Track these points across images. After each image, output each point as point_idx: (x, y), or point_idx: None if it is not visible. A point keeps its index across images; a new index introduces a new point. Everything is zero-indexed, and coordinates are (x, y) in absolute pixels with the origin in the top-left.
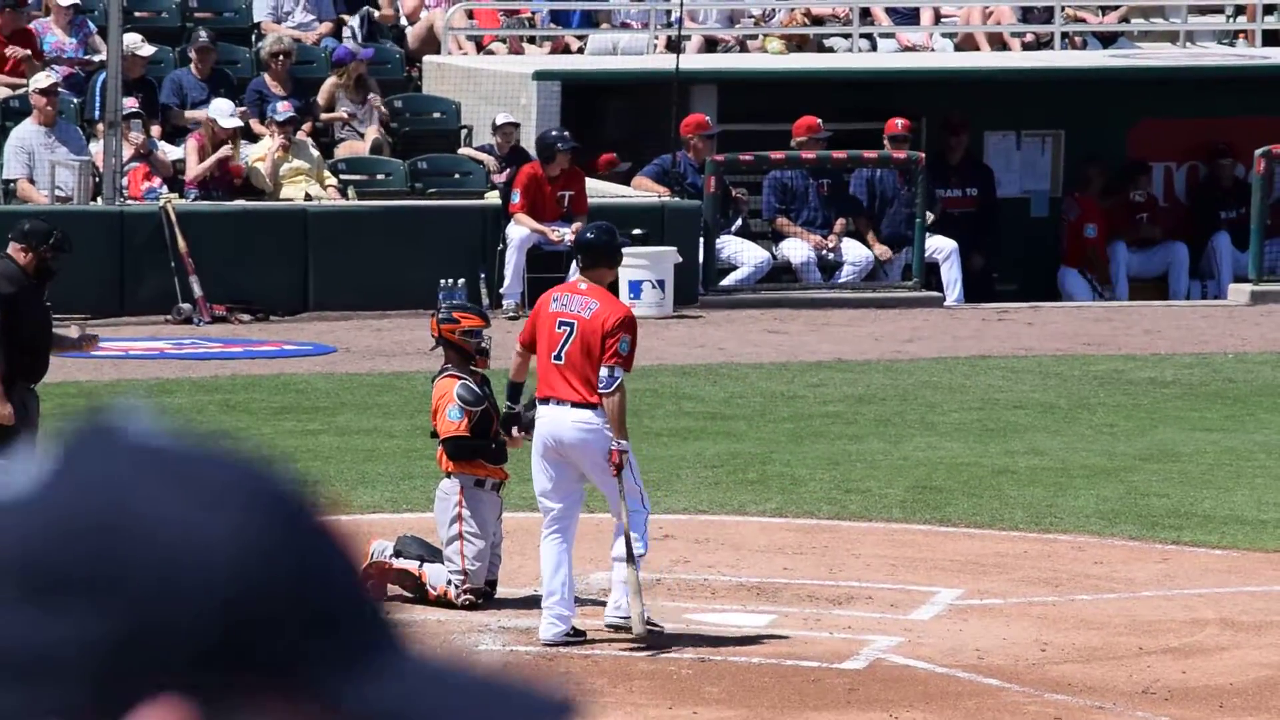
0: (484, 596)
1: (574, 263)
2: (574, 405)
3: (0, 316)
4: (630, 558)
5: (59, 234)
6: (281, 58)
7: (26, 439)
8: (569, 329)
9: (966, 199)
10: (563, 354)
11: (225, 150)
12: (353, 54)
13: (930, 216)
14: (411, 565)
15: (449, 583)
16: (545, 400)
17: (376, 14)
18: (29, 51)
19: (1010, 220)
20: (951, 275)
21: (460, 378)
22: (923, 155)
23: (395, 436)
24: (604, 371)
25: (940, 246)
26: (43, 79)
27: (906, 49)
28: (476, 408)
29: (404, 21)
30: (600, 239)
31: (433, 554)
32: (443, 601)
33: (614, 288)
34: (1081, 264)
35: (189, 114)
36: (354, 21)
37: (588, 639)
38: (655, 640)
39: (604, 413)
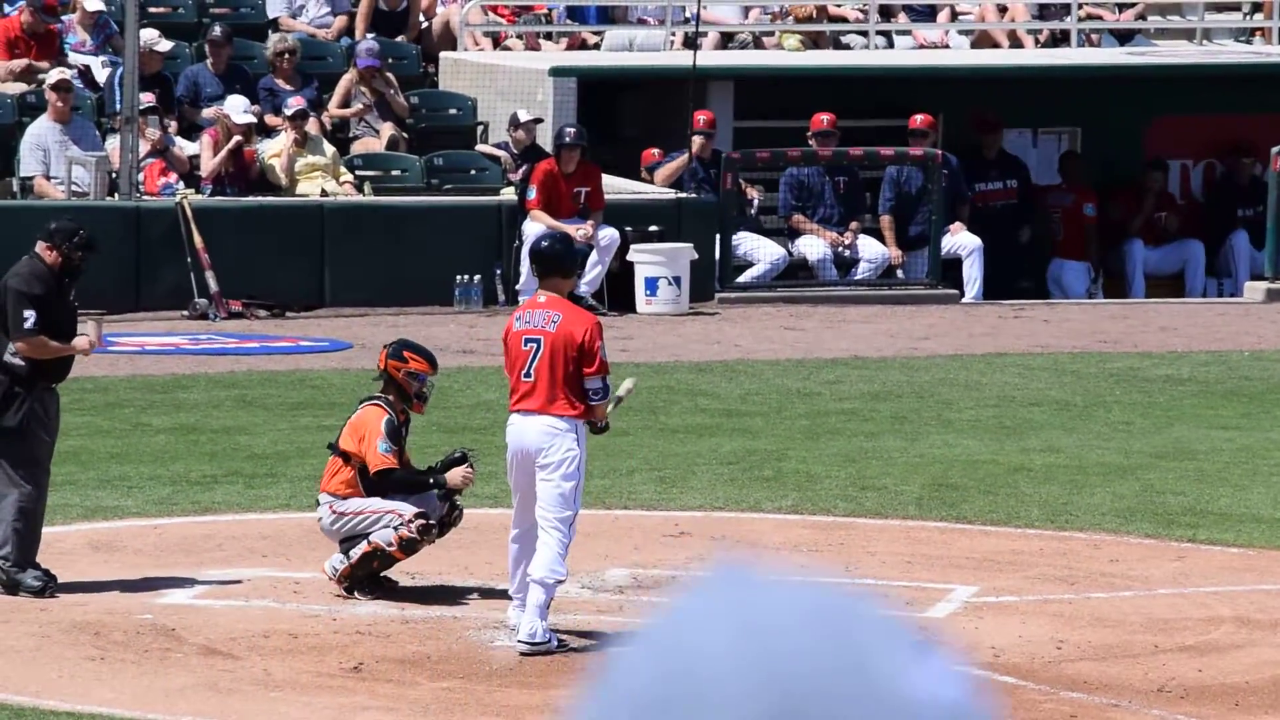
0: (431, 529)
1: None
2: (541, 413)
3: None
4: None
5: (85, 232)
6: (288, 56)
7: (46, 439)
8: (535, 345)
9: (1008, 190)
10: (532, 370)
11: (237, 140)
12: (378, 61)
13: (964, 213)
14: (362, 547)
15: (394, 529)
16: (515, 412)
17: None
18: (47, 63)
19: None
20: (973, 273)
21: (387, 412)
22: (940, 152)
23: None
24: (595, 383)
25: (964, 243)
26: (55, 74)
27: (922, 46)
28: (396, 446)
29: (420, 17)
30: (554, 248)
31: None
32: (409, 546)
33: (573, 297)
34: (1080, 253)
35: (204, 113)
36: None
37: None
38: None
39: (572, 421)
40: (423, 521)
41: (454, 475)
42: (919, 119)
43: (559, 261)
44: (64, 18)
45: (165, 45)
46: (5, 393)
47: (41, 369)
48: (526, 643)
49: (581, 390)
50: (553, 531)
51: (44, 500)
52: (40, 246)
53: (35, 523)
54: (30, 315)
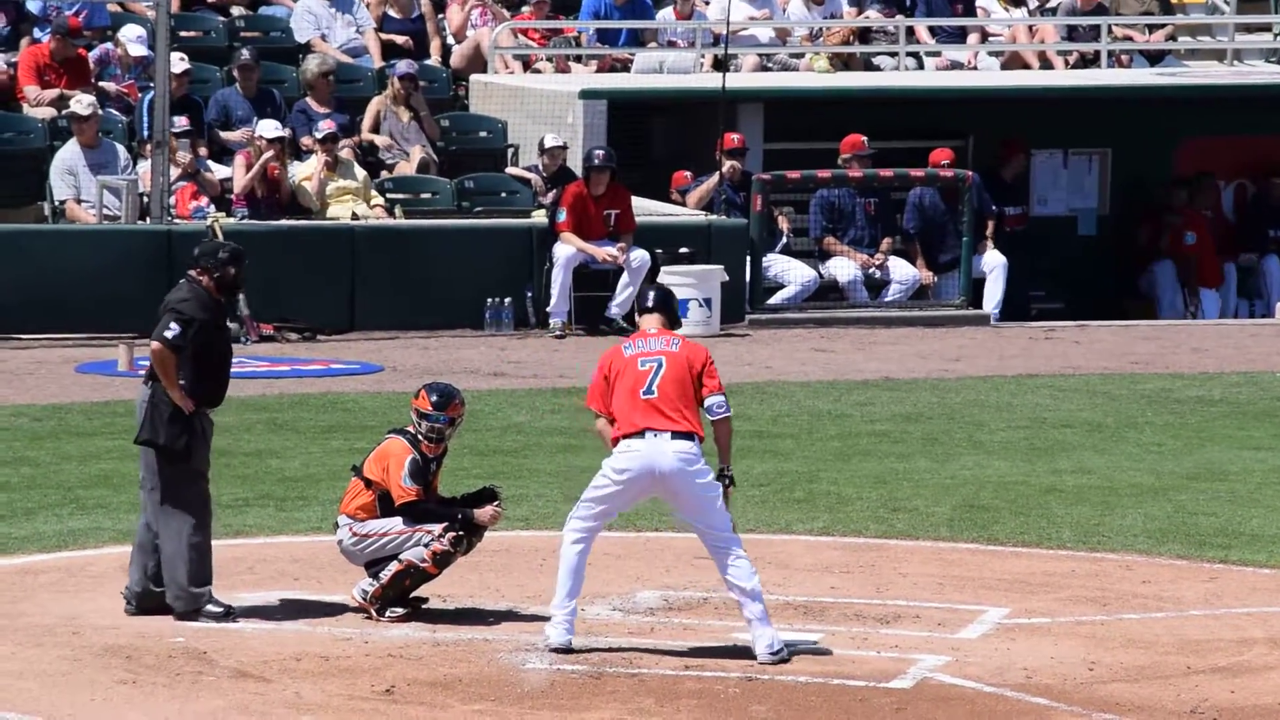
0: (463, 539)
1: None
2: (675, 435)
3: (195, 341)
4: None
5: (229, 246)
6: (328, 78)
7: (206, 461)
8: (657, 364)
9: (1022, 216)
10: (654, 388)
11: (267, 156)
12: (411, 73)
13: (990, 227)
14: (393, 567)
15: (426, 545)
16: (639, 434)
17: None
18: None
19: (1057, 239)
20: (994, 289)
21: (412, 450)
22: (970, 174)
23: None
24: (718, 398)
25: (989, 261)
26: (79, 106)
27: (953, 67)
28: (418, 484)
29: (451, 40)
30: (672, 291)
31: (390, 557)
32: (444, 559)
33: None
34: (1180, 275)
35: (231, 134)
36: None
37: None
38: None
39: (700, 445)
40: (455, 534)
41: (483, 513)
42: (944, 162)
43: (674, 303)
44: (103, 46)
45: (180, 66)
46: (170, 417)
47: (201, 394)
48: (771, 653)
49: (699, 411)
50: (733, 546)
51: (210, 520)
52: (193, 273)
53: (209, 539)
54: (176, 330)
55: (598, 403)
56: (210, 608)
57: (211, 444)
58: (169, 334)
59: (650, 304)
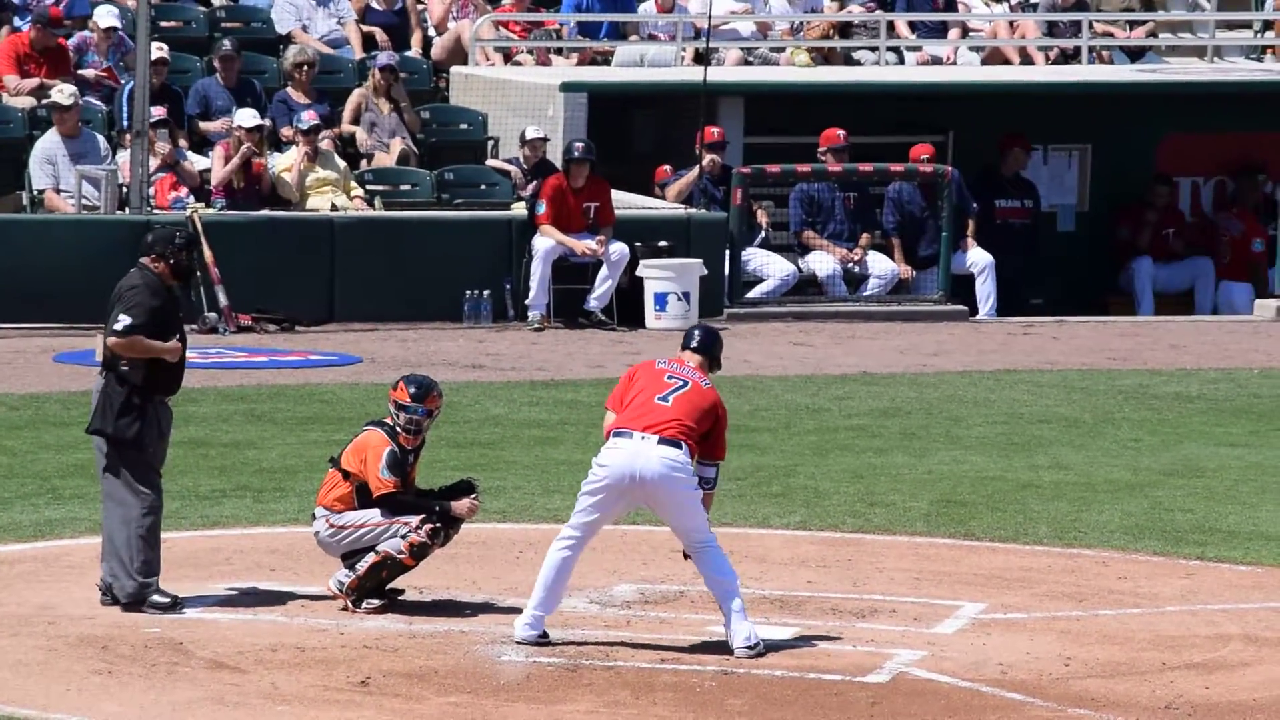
0: (440, 531)
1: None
2: (661, 441)
3: (147, 329)
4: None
5: (182, 232)
6: (305, 68)
7: (161, 450)
8: (682, 383)
9: (1024, 209)
10: (671, 398)
11: (247, 148)
12: (391, 65)
13: (970, 226)
14: (370, 558)
15: (402, 537)
16: (626, 433)
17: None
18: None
19: (1036, 235)
20: (986, 289)
21: (390, 443)
22: (950, 169)
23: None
24: (714, 471)
25: (976, 260)
26: (60, 96)
27: (933, 62)
28: (396, 476)
29: (432, 32)
30: (719, 340)
31: (367, 548)
32: (420, 551)
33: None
34: (1245, 275)
35: (210, 125)
36: None
37: (553, 643)
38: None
39: (690, 457)
40: (432, 526)
41: (460, 505)
42: (922, 154)
43: (719, 348)
44: (81, 33)
45: (156, 54)
46: (124, 404)
47: (156, 382)
48: (747, 648)
49: (697, 441)
50: (710, 544)
51: (161, 508)
52: (146, 260)
53: (158, 530)
54: (126, 320)
55: (612, 401)
56: (156, 598)
57: (172, 434)
58: (118, 326)
59: (694, 344)
